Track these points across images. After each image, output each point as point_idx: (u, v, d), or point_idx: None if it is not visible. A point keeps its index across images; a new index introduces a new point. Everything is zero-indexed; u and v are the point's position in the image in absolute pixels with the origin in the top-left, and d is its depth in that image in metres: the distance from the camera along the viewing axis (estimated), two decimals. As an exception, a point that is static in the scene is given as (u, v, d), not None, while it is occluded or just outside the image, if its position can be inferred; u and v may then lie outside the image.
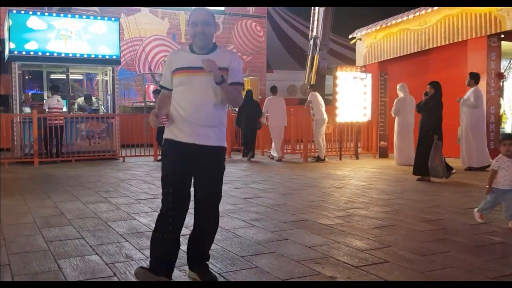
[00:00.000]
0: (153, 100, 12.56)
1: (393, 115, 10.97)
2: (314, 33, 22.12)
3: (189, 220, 3.44)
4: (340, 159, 12.19)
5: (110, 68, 13.49)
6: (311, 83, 19.69)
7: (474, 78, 9.77)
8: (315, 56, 21.78)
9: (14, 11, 12.06)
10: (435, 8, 12.21)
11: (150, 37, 24.33)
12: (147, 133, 14.45)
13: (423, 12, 12.59)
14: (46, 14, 12.38)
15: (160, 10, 24.21)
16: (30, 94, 14.07)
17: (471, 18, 11.36)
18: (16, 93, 12.29)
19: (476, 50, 11.41)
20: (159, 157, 11.68)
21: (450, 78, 12.23)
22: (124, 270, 3.56)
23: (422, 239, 4.38)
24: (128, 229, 4.85)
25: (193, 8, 3.48)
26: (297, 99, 22.41)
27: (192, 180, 3.31)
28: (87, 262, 3.78)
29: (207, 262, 3.43)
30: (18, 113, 12.24)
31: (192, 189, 3.32)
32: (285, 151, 13.15)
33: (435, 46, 12.48)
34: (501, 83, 11.64)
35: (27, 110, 12.95)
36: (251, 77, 20.83)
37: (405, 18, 13.22)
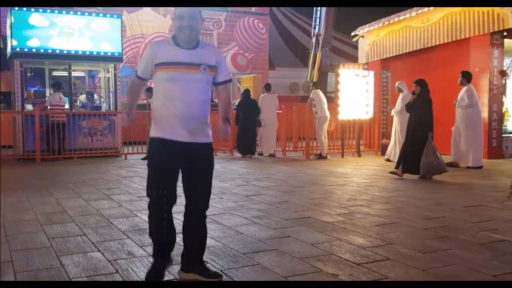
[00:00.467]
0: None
1: (397, 114, 10.73)
2: (317, 31, 22.12)
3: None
4: (342, 156, 12.18)
5: (112, 65, 13.48)
6: (313, 80, 19.71)
7: (466, 77, 9.77)
8: (317, 53, 21.77)
9: (16, 8, 12.06)
10: (438, 5, 12.20)
11: (152, 34, 24.30)
12: (149, 130, 14.42)
13: (426, 9, 12.55)
14: (48, 11, 12.36)
15: (162, 7, 24.20)
16: (32, 91, 14.07)
17: (474, 16, 11.33)
18: (18, 90, 12.30)
19: (479, 47, 11.38)
20: (143, 156, 11.83)
21: (453, 75, 12.20)
22: (126, 267, 3.56)
23: (424, 237, 4.38)
24: (130, 226, 4.86)
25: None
26: (299, 97, 22.38)
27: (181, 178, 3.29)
28: (89, 259, 3.78)
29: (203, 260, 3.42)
30: (20, 110, 12.25)
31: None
32: (287, 148, 13.16)
33: (437, 43, 12.45)
34: (503, 81, 11.61)
35: (29, 107, 12.96)
36: (253, 75, 20.84)
37: (407, 16, 13.18)
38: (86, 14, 12.96)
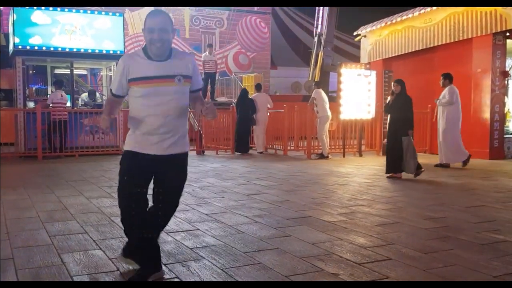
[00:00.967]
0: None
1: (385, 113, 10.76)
2: (319, 30, 22.09)
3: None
4: (344, 156, 12.18)
5: (114, 63, 13.47)
6: (315, 80, 19.68)
7: (448, 78, 9.86)
8: (320, 53, 21.74)
9: (19, 6, 12.08)
10: (440, 5, 12.18)
11: (154, 32, 24.29)
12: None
13: (428, 9, 12.54)
14: (51, 9, 12.37)
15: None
16: (34, 88, 14.08)
17: (477, 16, 11.32)
18: (20, 88, 12.32)
19: (481, 48, 11.36)
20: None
21: (455, 76, 12.19)
22: (127, 265, 3.56)
23: (425, 237, 4.37)
24: (131, 224, 4.85)
25: (152, 9, 3.42)
26: (301, 96, 22.37)
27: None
28: (90, 256, 3.79)
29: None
30: (22, 107, 12.26)
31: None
32: (288, 147, 13.17)
33: (440, 43, 12.44)
34: (505, 82, 11.60)
35: (31, 104, 12.97)
36: (255, 74, 20.82)
37: (410, 16, 13.17)
38: (89, 12, 12.96)
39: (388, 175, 8.35)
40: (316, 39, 22.32)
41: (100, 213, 5.39)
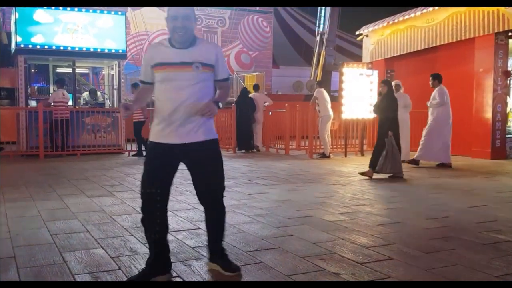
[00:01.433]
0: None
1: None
2: (321, 29, 22.11)
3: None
4: (346, 155, 12.17)
5: (116, 62, 13.51)
6: (317, 79, 19.69)
7: (438, 78, 9.90)
8: (322, 52, 21.75)
9: (21, 5, 12.09)
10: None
11: (156, 31, 24.33)
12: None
13: (430, 9, 12.52)
14: (53, 7, 12.38)
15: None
16: (36, 87, 14.11)
17: (479, 16, 11.30)
18: (22, 87, 12.33)
19: (484, 48, 11.35)
20: (132, 153, 12.03)
21: (457, 75, 12.19)
22: (129, 264, 3.57)
23: (426, 237, 4.37)
24: (133, 223, 4.86)
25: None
26: (303, 95, 22.37)
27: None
28: (92, 255, 3.79)
29: (226, 253, 3.47)
30: (24, 106, 12.27)
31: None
32: (290, 147, 13.17)
33: (442, 43, 12.42)
34: (508, 81, 11.58)
35: (33, 103, 12.99)
36: (257, 73, 20.85)
37: (412, 15, 13.16)
38: (91, 11, 12.97)
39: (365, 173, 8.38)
40: (318, 38, 22.33)
41: (102, 212, 5.40)
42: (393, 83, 10.86)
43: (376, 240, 4.26)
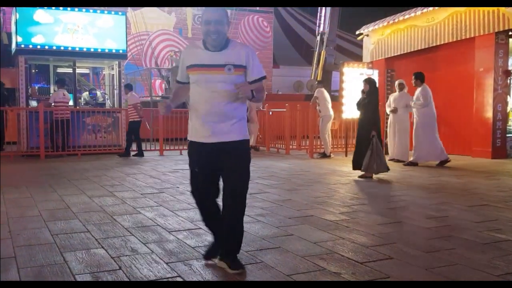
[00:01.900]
0: (159, 94, 12.74)
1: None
2: (321, 29, 22.09)
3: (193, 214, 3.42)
4: (346, 155, 12.16)
5: (117, 62, 13.51)
6: (318, 79, 19.68)
7: (420, 77, 9.93)
8: (322, 52, 21.74)
9: (21, 5, 12.08)
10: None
11: (156, 31, 24.33)
12: (153, 127, 14.49)
13: (431, 8, 12.51)
14: (53, 8, 12.38)
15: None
16: (36, 87, 14.10)
17: (479, 15, 11.29)
18: (22, 87, 12.33)
19: (484, 47, 11.34)
20: (133, 153, 11.99)
21: (457, 75, 12.19)
22: (130, 264, 3.57)
23: (427, 236, 4.37)
24: (133, 223, 4.87)
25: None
26: (303, 95, 22.37)
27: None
28: (92, 255, 3.79)
29: (237, 254, 3.54)
30: (24, 106, 12.27)
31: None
32: (290, 147, 13.17)
33: (442, 43, 12.41)
34: (508, 81, 11.57)
35: (34, 103, 12.99)
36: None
37: (412, 15, 13.14)
38: (91, 11, 12.96)
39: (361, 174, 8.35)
40: (318, 38, 22.31)
41: (102, 212, 5.40)
42: (396, 82, 10.90)
43: (376, 239, 4.26)
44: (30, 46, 12.15)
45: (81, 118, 12.45)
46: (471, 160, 11.01)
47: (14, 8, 12.26)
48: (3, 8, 17.37)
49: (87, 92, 14.16)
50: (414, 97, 9.94)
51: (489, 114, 11.26)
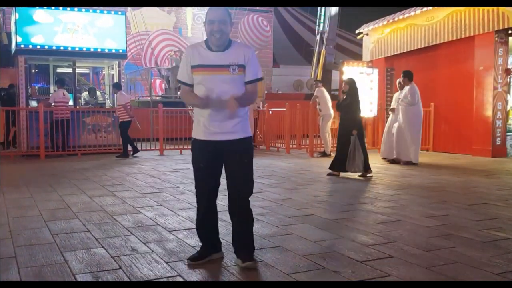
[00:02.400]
0: (159, 94, 12.69)
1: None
2: (321, 28, 22.09)
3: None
4: (346, 154, 12.16)
5: (117, 62, 13.51)
6: (318, 78, 19.68)
7: (408, 76, 9.92)
8: (322, 51, 21.75)
9: (21, 5, 12.08)
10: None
11: (156, 31, 24.31)
12: (153, 127, 14.50)
13: (430, 7, 12.51)
14: (53, 7, 12.37)
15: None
16: (36, 87, 14.10)
17: (479, 14, 11.29)
18: (22, 87, 12.33)
19: (484, 46, 11.34)
20: (131, 152, 11.88)
21: (457, 74, 12.19)
22: (130, 263, 3.57)
23: (427, 235, 4.37)
24: (133, 222, 4.87)
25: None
26: (303, 94, 22.37)
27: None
28: (92, 255, 3.80)
29: (252, 251, 3.60)
30: (24, 106, 12.28)
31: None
32: (291, 146, 13.17)
33: (442, 41, 12.41)
34: (508, 79, 11.57)
35: (34, 103, 12.99)
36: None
37: (412, 14, 13.15)
38: (91, 11, 12.96)
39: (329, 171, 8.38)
40: (318, 37, 22.32)
41: (103, 212, 5.40)
42: (397, 81, 10.87)
43: (376, 238, 4.26)
44: (30, 46, 12.15)
45: (81, 118, 12.45)
46: (471, 158, 11.01)
47: (14, 8, 12.25)
48: (3, 8, 17.36)
49: (87, 92, 14.15)
50: (402, 95, 9.92)
51: (489, 112, 11.27)
